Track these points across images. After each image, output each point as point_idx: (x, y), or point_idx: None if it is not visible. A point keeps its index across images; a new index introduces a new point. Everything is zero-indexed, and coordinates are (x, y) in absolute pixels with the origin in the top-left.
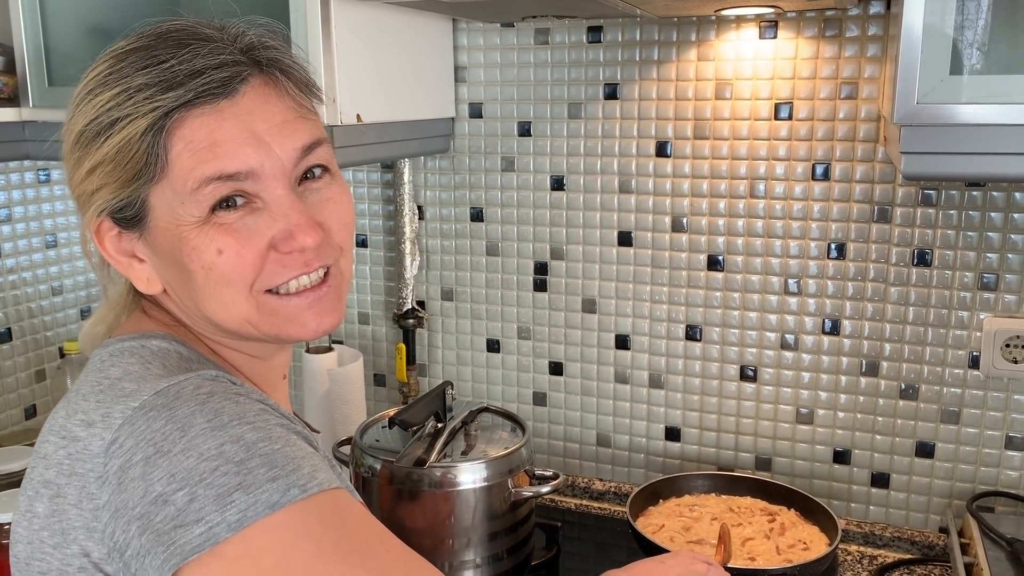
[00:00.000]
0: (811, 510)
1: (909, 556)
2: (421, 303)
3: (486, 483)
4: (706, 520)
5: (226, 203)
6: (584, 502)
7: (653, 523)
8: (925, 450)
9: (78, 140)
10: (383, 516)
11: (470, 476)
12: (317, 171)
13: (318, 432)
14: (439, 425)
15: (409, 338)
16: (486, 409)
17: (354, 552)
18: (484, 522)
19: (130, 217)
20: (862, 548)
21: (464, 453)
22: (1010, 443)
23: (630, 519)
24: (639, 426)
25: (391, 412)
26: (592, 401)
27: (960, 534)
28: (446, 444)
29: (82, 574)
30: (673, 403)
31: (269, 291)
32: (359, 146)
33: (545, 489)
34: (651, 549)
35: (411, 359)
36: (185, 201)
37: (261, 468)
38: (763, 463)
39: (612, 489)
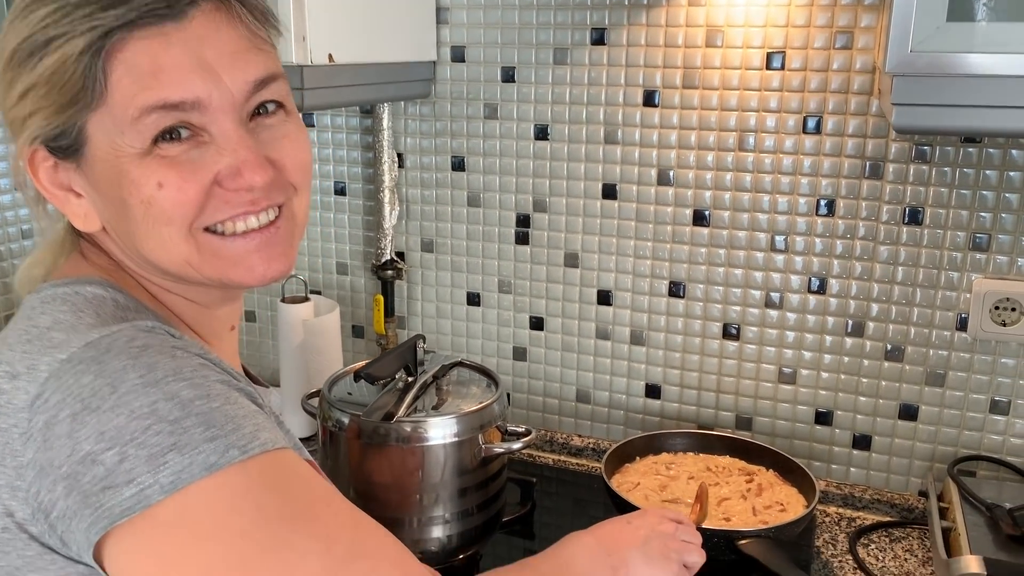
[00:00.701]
0: (790, 471)
1: (888, 519)
2: (400, 254)
3: (456, 439)
4: (683, 479)
5: (170, 135)
6: (562, 458)
7: (628, 480)
8: (908, 413)
9: (10, 60)
10: (351, 471)
11: (439, 431)
12: (271, 107)
13: (267, 387)
14: (410, 379)
15: (387, 290)
16: (460, 363)
17: (298, 516)
18: (453, 478)
19: (66, 146)
20: (840, 510)
21: (435, 408)
22: (995, 407)
23: (604, 476)
24: (619, 383)
25: (361, 365)
26: (572, 357)
27: (940, 498)
28: (416, 398)
29: (5, 535)
30: (654, 360)
31: (210, 230)
32: (331, 88)
33: (517, 445)
34: (624, 507)
35: (389, 311)
36: (125, 131)
37: (198, 428)
38: (743, 423)
39: (590, 445)
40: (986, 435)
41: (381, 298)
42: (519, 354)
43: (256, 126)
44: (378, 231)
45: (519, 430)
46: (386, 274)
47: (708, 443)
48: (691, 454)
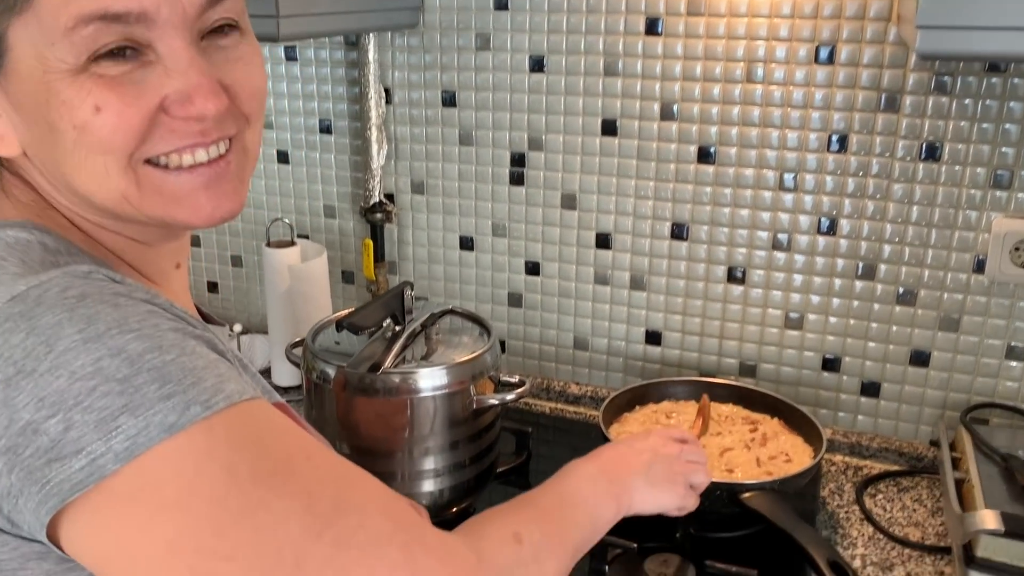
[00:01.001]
0: (795, 419)
1: (896, 468)
2: (390, 196)
3: (446, 390)
4: (684, 427)
5: (111, 53)
6: (559, 406)
7: (627, 430)
8: (920, 359)
9: None
10: (337, 424)
11: (429, 382)
12: (225, 28)
13: (223, 325)
14: (397, 328)
15: (377, 233)
16: (451, 311)
17: (275, 473)
18: (444, 430)
19: None
20: (847, 459)
21: (424, 358)
22: (1011, 352)
23: (602, 425)
24: (618, 329)
25: (345, 313)
26: (570, 303)
27: (952, 447)
28: (404, 348)
29: None
30: (655, 306)
31: (152, 162)
32: (309, 16)
33: (510, 397)
34: None
35: (379, 256)
36: (57, 42)
37: (151, 384)
38: (747, 369)
39: (588, 393)
40: (1001, 382)
41: (370, 242)
42: (514, 300)
43: (208, 46)
44: (366, 172)
45: (512, 380)
46: (375, 217)
47: (710, 391)
48: (692, 402)
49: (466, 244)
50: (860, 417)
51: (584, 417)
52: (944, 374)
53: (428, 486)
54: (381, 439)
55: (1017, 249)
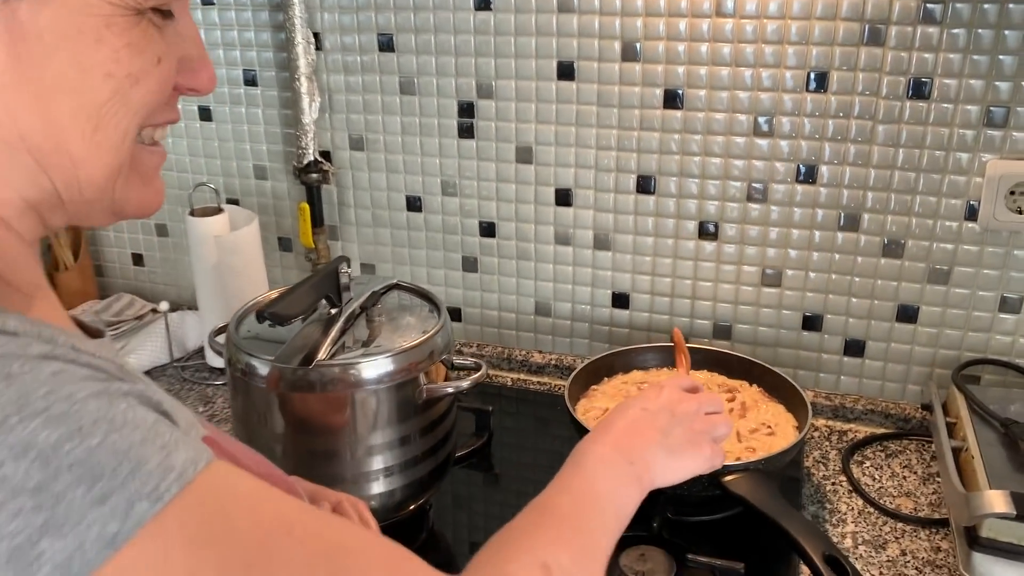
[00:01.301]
0: (775, 385)
1: (882, 431)
2: (326, 154)
3: (392, 382)
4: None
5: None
6: (522, 376)
7: (596, 406)
8: (907, 314)
9: None
10: (268, 426)
11: (371, 373)
12: None
13: (104, 335)
14: (333, 311)
15: (314, 196)
16: (396, 286)
17: (251, 566)
18: (392, 426)
19: None
20: (830, 422)
21: (365, 344)
22: (1004, 305)
23: (569, 405)
24: (583, 292)
25: (274, 295)
26: (530, 266)
27: (945, 411)
28: (342, 333)
29: None
30: (621, 266)
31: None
32: None
33: (465, 384)
34: None
35: (318, 221)
36: None
37: (77, 487)
38: (722, 331)
39: (552, 362)
40: (993, 336)
41: (307, 206)
42: (469, 264)
43: None
44: (297, 127)
45: (468, 363)
46: (310, 178)
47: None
48: (665, 370)
49: (413, 205)
50: (843, 378)
51: (549, 388)
52: (933, 330)
53: (377, 487)
54: (320, 440)
55: (1012, 193)
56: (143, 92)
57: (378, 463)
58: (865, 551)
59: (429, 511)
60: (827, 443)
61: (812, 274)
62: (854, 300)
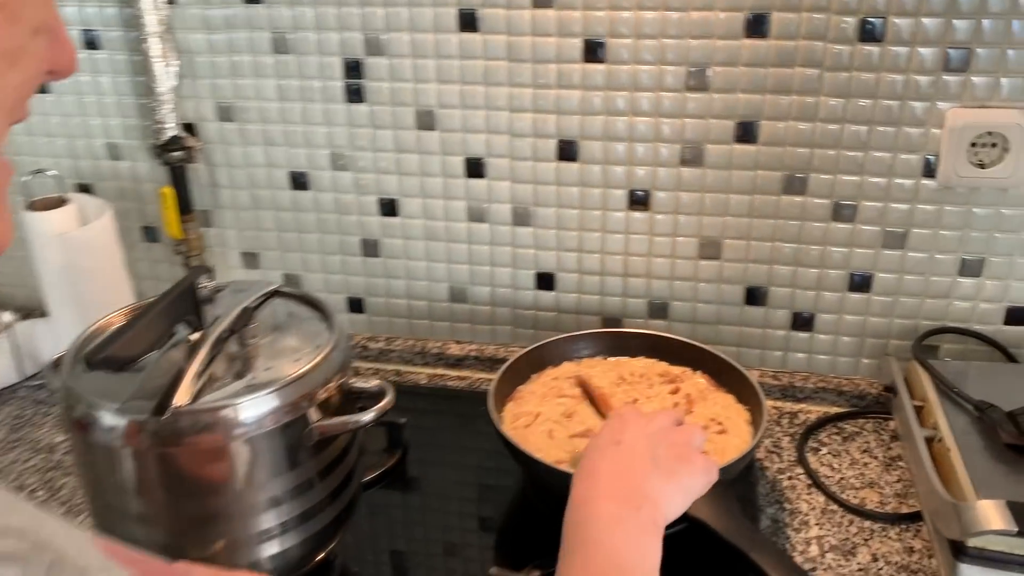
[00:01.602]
0: (721, 370)
1: (836, 410)
2: (189, 127)
3: (276, 423)
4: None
5: None
6: (438, 371)
7: (525, 412)
8: (860, 283)
9: None
10: (119, 490)
11: (249, 414)
12: None
13: None
14: (192, 337)
15: (179, 178)
16: (276, 293)
17: None
18: (282, 475)
19: None
20: (780, 403)
21: (239, 376)
22: (964, 268)
23: (493, 415)
24: (502, 274)
25: (119, 320)
26: (440, 247)
27: (910, 392)
28: (207, 365)
29: None
30: (544, 243)
31: None
32: None
33: (367, 417)
34: (530, 462)
35: (185, 207)
36: None
37: None
38: (658, 310)
39: (472, 353)
40: (952, 302)
41: (169, 191)
42: (370, 248)
43: None
44: (151, 97)
45: (370, 387)
46: (173, 156)
47: (619, 344)
48: (599, 359)
49: (299, 182)
50: (792, 355)
51: (470, 383)
52: (888, 298)
53: (272, 548)
54: (193, 503)
55: (974, 145)
56: (20, 78)
57: (271, 520)
58: (833, 559)
59: (334, 561)
60: (778, 428)
61: (755, 244)
62: (801, 270)
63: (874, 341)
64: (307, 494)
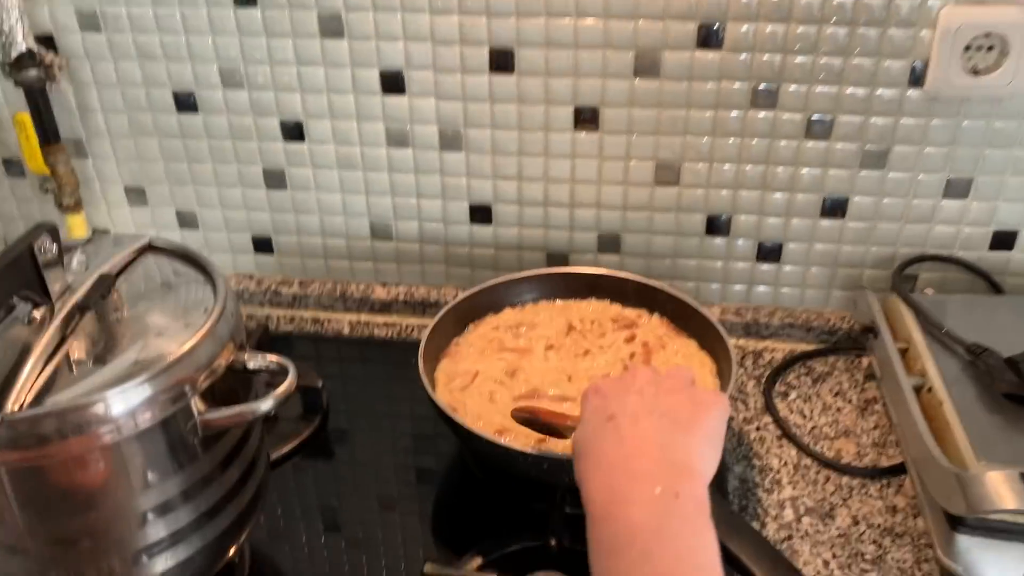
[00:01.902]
0: (681, 313)
1: (804, 346)
2: (47, 40)
3: (149, 422)
4: (539, 352)
5: None
6: (363, 318)
7: (463, 370)
8: (834, 208)
9: None
10: None
11: (119, 409)
12: None
13: None
14: (36, 314)
15: (37, 102)
16: (149, 248)
17: None
18: (164, 482)
19: None
20: (743, 341)
21: (99, 361)
22: (949, 189)
23: (424, 379)
24: (431, 207)
25: None
26: (357, 176)
27: (892, 333)
28: (58, 348)
29: None
30: (479, 170)
31: None
32: None
33: (266, 406)
34: (468, 435)
35: (49, 135)
36: None
37: None
38: (609, 243)
39: (401, 296)
40: (934, 227)
41: (26, 117)
42: (274, 179)
43: None
44: None
45: (269, 363)
46: (28, 76)
47: (566, 285)
48: (544, 303)
49: (185, 103)
50: (756, 288)
51: (399, 330)
52: (864, 224)
53: (159, 566)
54: (62, 523)
55: (968, 49)
56: None
57: (160, 531)
58: (811, 524)
59: (242, 557)
60: (741, 370)
61: (719, 165)
62: (770, 194)
63: (847, 271)
64: (203, 494)
